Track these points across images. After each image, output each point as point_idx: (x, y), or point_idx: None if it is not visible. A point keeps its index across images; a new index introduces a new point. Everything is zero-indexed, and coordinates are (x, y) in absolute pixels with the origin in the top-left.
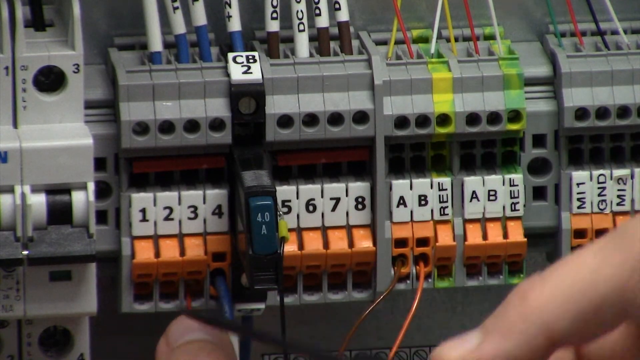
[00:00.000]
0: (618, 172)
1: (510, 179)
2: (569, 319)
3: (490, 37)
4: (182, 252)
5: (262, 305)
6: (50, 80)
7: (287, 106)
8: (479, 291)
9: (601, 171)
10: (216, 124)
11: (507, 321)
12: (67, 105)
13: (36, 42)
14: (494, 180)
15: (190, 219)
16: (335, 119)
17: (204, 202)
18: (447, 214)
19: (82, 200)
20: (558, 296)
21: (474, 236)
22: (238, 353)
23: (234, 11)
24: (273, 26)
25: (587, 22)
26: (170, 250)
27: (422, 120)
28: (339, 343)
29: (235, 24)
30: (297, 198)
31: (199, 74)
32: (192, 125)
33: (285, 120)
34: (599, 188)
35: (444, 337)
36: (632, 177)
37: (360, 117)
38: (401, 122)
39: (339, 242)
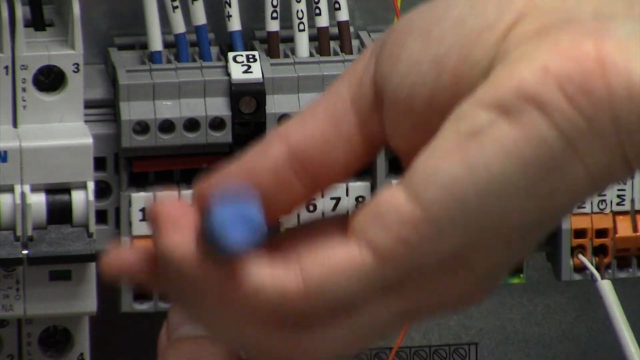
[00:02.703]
0: None
1: None
2: (300, 121)
3: None
4: None
5: None
6: (50, 80)
7: (287, 106)
8: None
9: None
10: (216, 123)
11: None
12: (67, 105)
13: (36, 42)
14: None
15: None
16: None
17: None
18: None
19: (82, 200)
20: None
21: None
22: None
23: (234, 11)
24: (273, 26)
25: None
26: None
27: None
28: None
29: (235, 24)
30: None
31: (199, 73)
32: (192, 125)
33: (285, 120)
34: None
35: (444, 337)
36: (632, 177)
37: None
38: None
39: None
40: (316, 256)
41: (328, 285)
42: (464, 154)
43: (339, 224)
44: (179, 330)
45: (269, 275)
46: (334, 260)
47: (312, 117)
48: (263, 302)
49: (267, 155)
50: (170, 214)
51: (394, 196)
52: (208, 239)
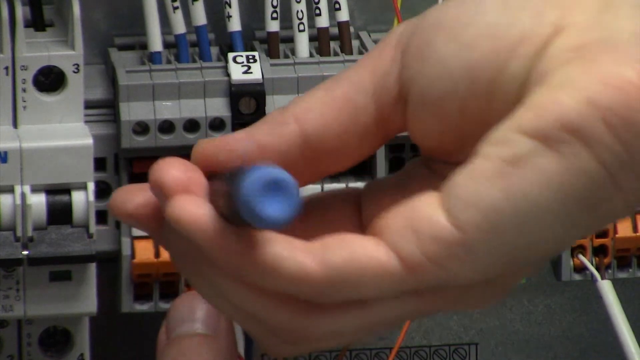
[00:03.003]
0: None
1: None
2: (318, 107)
3: None
4: None
5: None
6: (50, 80)
7: None
8: None
9: None
10: (216, 124)
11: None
12: (67, 105)
13: (36, 42)
14: None
15: None
16: None
17: None
18: None
19: (82, 200)
20: (313, 92)
21: None
22: (243, 350)
23: (234, 11)
24: (273, 26)
25: None
26: None
27: None
28: None
29: (235, 24)
30: None
31: (199, 73)
32: (192, 125)
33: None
34: None
35: (444, 337)
36: None
37: None
38: None
39: None
40: (342, 245)
41: (350, 276)
42: (504, 181)
43: (350, 203)
44: (178, 328)
45: (291, 251)
46: (361, 255)
47: (330, 103)
48: (281, 277)
49: (280, 135)
50: (177, 178)
51: (432, 212)
52: (243, 211)
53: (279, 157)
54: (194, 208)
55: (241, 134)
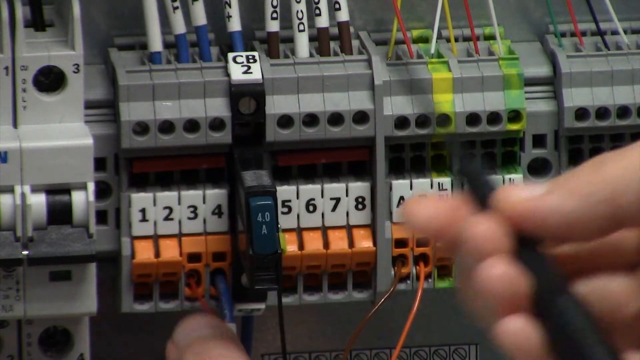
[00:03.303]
0: None
1: (510, 179)
2: (638, 192)
3: (490, 37)
4: (182, 252)
5: (262, 305)
6: (50, 80)
7: (287, 106)
8: None
9: None
10: (216, 124)
11: (575, 182)
12: (67, 105)
13: (36, 42)
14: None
15: (190, 219)
16: (336, 119)
17: (204, 202)
18: None
19: (82, 200)
20: (634, 167)
21: None
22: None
23: (234, 11)
24: (273, 26)
25: (587, 22)
26: (170, 250)
27: (422, 120)
28: (339, 343)
29: (235, 24)
30: (297, 198)
31: (199, 73)
32: (192, 125)
33: (285, 121)
34: None
35: (444, 337)
36: None
37: (360, 117)
38: (401, 122)
39: (339, 242)
40: None
41: None
42: None
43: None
44: (190, 336)
45: None
46: None
47: (587, 198)
48: None
49: (594, 212)
50: (505, 290)
51: None
52: None
53: (582, 233)
54: (525, 341)
55: (556, 198)
